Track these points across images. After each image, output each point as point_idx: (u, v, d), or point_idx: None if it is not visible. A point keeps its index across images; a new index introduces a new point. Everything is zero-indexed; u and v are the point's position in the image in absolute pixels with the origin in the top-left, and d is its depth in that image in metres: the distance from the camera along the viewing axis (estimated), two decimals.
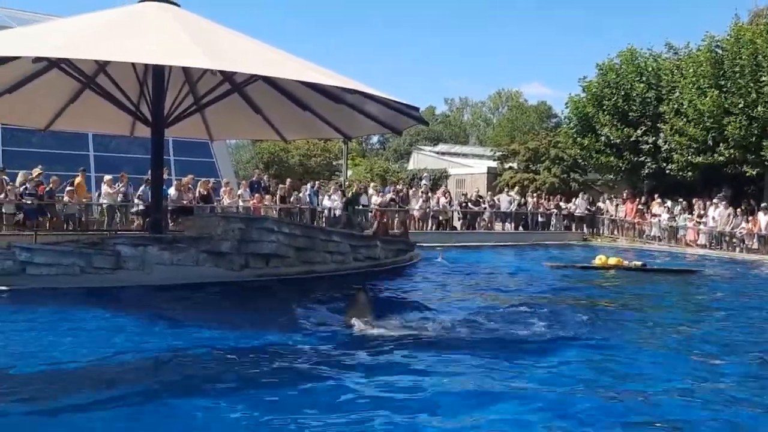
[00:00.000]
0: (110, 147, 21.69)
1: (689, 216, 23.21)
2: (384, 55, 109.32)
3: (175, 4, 11.49)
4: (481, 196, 25.55)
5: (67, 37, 9.54)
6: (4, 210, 14.93)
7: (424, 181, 33.46)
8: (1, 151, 19.53)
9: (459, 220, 24.15)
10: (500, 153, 38.33)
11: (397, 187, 24.89)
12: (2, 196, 14.87)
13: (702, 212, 22.86)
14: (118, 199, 16.63)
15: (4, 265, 10.02)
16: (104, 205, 16.55)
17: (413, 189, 25.28)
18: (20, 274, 10.02)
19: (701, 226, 22.53)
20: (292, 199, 19.85)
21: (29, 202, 15.07)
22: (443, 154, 51.76)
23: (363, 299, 8.38)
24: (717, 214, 22.02)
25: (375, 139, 72.02)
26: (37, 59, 10.50)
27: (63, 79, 11.99)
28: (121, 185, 16.76)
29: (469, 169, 41.34)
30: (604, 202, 26.62)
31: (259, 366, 6.27)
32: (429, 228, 22.63)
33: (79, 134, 19.80)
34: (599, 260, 15.97)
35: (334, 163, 47.92)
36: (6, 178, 15.41)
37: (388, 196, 22.49)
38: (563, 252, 20.90)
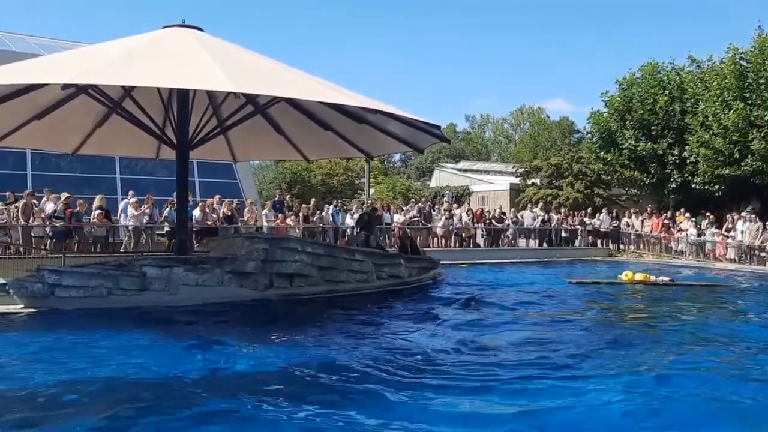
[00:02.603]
0: (136, 170, 22.05)
1: (717, 230, 22.83)
2: (404, 73, 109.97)
3: (199, 28, 11.71)
4: (504, 213, 25.41)
5: (94, 64, 9.76)
6: (33, 233, 15.22)
7: (446, 198, 33.43)
8: (31, 176, 19.96)
9: (482, 237, 24.03)
10: (523, 169, 38.24)
11: (419, 204, 24.87)
12: (32, 219, 15.17)
13: (730, 226, 22.47)
14: (144, 220, 16.85)
15: (33, 287, 10.17)
16: (130, 227, 16.75)
17: (436, 206, 25.25)
18: (49, 297, 10.16)
19: (729, 240, 22.13)
20: (315, 218, 19.95)
21: (58, 225, 15.34)
22: (465, 171, 51.82)
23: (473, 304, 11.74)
24: (746, 227, 21.62)
25: (397, 157, 72.39)
26: (66, 86, 10.72)
27: (90, 104, 12.21)
28: (146, 207, 16.99)
29: (491, 185, 41.32)
30: (629, 217, 26.31)
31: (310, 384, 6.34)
32: (452, 245, 22.57)
33: (105, 158, 20.15)
34: (626, 276, 15.76)
35: (356, 181, 48.20)
36: (35, 201, 15.72)
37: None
38: (588, 268, 20.66)
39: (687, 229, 23.55)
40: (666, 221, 24.58)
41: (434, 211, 23.82)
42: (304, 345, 8.04)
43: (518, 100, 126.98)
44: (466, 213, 24.20)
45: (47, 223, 15.41)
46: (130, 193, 17.53)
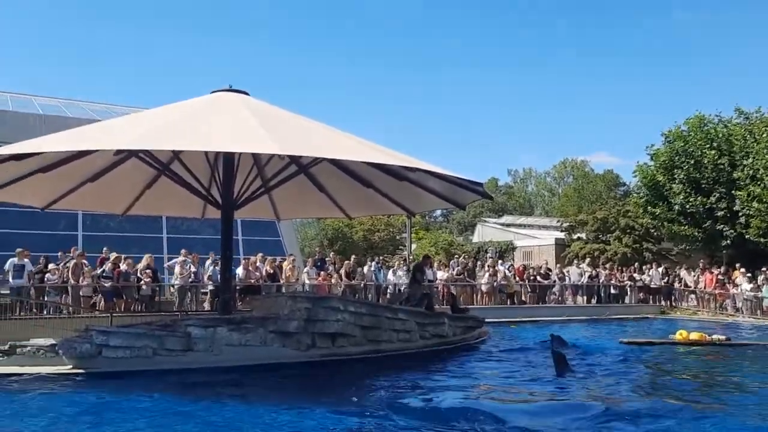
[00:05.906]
0: (182, 229, 22.48)
1: None
2: (446, 128, 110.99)
3: (245, 92, 12.05)
4: (549, 269, 24.90)
5: (145, 129, 10.08)
6: (82, 293, 15.52)
7: (489, 254, 33.02)
8: (82, 236, 20.53)
9: (527, 294, 23.51)
10: (568, 223, 37.66)
11: (461, 259, 24.57)
12: (81, 279, 15.50)
13: None
14: (189, 279, 17.04)
15: (82, 348, 10.25)
16: (176, 286, 16.95)
17: (479, 262, 24.92)
18: (96, 357, 10.22)
19: None
20: (356, 275, 19.89)
21: (106, 285, 15.64)
22: (508, 225, 51.34)
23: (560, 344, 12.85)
24: None
25: (438, 212, 72.21)
26: (119, 151, 11.08)
27: (140, 166, 12.58)
28: (191, 266, 17.19)
29: (536, 240, 40.71)
30: (680, 272, 25.45)
31: None
32: (497, 302, 22.13)
33: (153, 217, 20.62)
34: (680, 335, 15.10)
35: (397, 237, 48.17)
36: (85, 261, 16.07)
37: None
38: (640, 326, 19.92)
39: (742, 285, 22.64)
40: (720, 276, 23.68)
41: (477, 267, 23.51)
42: (349, 408, 7.83)
43: (560, 154, 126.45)
44: (508, 269, 23.78)
45: (96, 283, 15.72)
46: (183, 251, 17.75)
